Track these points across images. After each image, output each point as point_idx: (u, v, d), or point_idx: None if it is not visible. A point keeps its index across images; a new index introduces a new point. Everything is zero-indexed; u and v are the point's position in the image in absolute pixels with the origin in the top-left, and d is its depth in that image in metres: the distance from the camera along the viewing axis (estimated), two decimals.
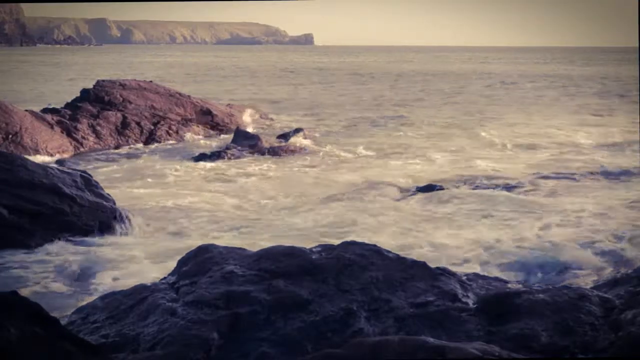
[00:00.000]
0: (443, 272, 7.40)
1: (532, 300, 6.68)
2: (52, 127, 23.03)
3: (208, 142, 24.14)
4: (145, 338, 6.58)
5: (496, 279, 8.05)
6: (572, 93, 47.68)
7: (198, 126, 25.40)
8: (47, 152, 21.58)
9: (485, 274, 8.44)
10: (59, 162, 19.91)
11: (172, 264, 8.37)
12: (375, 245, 7.85)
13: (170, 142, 23.95)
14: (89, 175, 13.11)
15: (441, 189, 15.68)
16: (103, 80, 26.31)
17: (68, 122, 23.65)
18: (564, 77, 66.62)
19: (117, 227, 12.20)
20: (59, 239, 11.41)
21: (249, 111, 29.03)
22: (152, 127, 24.51)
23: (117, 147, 23.04)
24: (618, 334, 6.10)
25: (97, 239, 11.59)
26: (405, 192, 15.67)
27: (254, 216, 13.54)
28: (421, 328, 6.49)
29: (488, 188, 15.97)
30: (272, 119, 29.32)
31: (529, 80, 62.17)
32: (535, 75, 70.72)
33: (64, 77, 63.12)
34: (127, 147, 23.03)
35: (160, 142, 23.80)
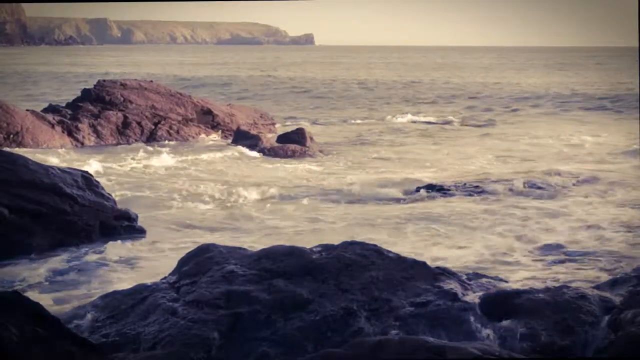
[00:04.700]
0: (443, 272, 7.41)
1: (532, 300, 6.68)
2: (53, 127, 23.05)
3: (208, 142, 24.15)
4: (145, 337, 6.59)
5: (496, 278, 8.07)
6: None
7: (199, 126, 25.38)
8: None
9: (485, 273, 8.45)
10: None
11: (172, 263, 8.38)
12: (375, 245, 7.85)
13: (171, 142, 23.94)
14: (90, 175, 13.10)
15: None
16: (104, 80, 26.30)
17: (69, 121, 23.66)
18: None
19: (118, 226, 12.20)
20: (60, 238, 11.41)
21: (250, 111, 28.99)
22: (153, 127, 24.51)
23: (117, 147, 23.04)
24: (618, 333, 6.10)
25: (97, 239, 11.59)
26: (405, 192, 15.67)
27: (253, 215, 13.55)
28: (421, 328, 6.51)
29: None
30: (273, 120, 29.30)
31: None
32: None
33: None
34: (128, 147, 23.00)
35: (161, 142, 23.79)
